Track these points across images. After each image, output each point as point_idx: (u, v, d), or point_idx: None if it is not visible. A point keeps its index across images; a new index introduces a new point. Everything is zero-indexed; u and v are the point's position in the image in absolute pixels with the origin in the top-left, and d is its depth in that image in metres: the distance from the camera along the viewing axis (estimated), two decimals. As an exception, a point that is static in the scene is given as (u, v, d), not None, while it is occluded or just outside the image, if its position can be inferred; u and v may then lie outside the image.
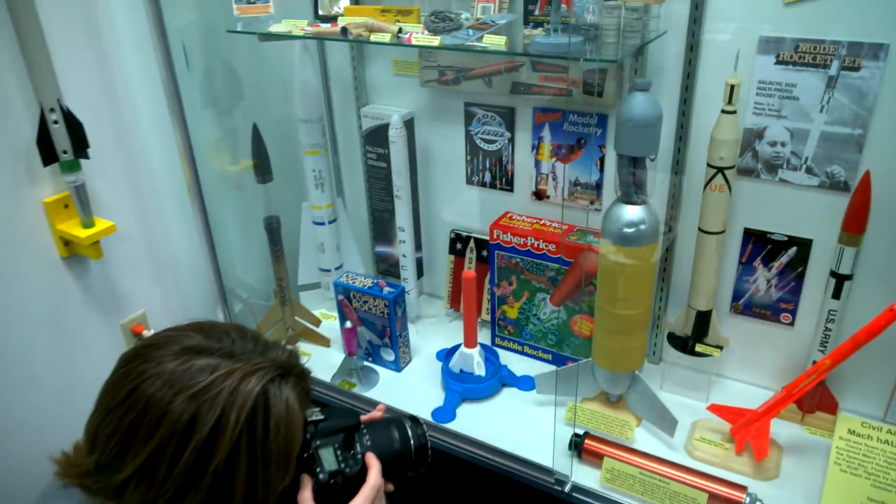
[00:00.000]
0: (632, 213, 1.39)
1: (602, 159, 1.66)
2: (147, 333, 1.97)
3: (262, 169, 1.78)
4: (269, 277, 1.99)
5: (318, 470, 0.92)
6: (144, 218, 1.90)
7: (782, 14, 1.33)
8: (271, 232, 1.87)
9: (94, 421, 0.85)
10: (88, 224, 1.69)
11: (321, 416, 0.96)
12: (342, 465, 0.93)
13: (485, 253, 1.89)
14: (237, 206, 2.03)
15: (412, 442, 1.01)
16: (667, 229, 1.61)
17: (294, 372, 0.88)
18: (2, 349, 1.65)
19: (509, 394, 1.75)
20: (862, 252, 1.39)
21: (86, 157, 1.63)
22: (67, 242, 1.74)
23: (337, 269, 2.06)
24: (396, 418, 1.03)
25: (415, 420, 1.03)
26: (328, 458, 0.93)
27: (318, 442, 0.94)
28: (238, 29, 1.68)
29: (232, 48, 1.87)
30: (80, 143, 1.61)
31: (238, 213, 2.04)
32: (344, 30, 1.51)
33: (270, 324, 2.00)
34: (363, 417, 1.05)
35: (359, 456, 0.96)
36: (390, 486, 1.02)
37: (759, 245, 1.54)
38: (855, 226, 1.36)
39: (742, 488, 1.38)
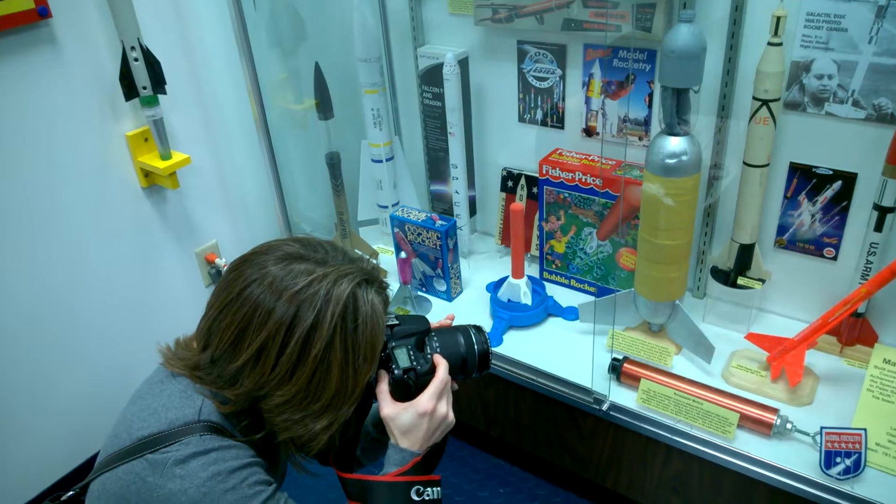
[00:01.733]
0: (674, 144, 1.43)
1: (650, 95, 1.69)
2: (219, 262, 2.14)
3: (324, 106, 1.89)
4: (331, 212, 2.11)
5: (393, 367, 1.03)
6: (216, 152, 2.05)
7: (834, -56, 1.33)
8: (332, 167, 1.98)
9: (209, 318, 0.98)
10: (166, 156, 1.84)
11: (396, 322, 1.07)
12: (414, 363, 1.04)
13: (535, 190, 1.96)
14: (301, 144, 2.15)
15: (476, 347, 1.10)
16: (713, 163, 1.65)
17: (377, 279, 1.00)
18: (89, 272, 1.83)
19: (554, 323, 1.84)
20: (906, 184, 1.40)
21: (163, 92, 1.77)
22: (147, 174, 1.90)
23: (394, 205, 2.16)
24: (462, 327, 1.13)
25: (479, 329, 1.14)
26: (402, 357, 1.04)
27: (393, 343, 1.05)
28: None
29: (295, -11, 1.96)
30: (158, 80, 1.75)
31: (302, 150, 2.16)
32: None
33: (331, 255, 2.12)
34: (434, 324, 1.15)
35: (429, 356, 1.06)
36: (455, 385, 1.12)
37: (803, 179, 1.56)
38: (900, 158, 1.37)
39: (774, 410, 1.44)
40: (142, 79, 1.73)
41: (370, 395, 1.19)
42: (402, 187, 2.17)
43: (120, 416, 1.01)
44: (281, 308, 0.91)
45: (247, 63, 1.79)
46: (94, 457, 1.03)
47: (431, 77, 1.97)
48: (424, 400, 1.02)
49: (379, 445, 1.25)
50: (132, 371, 1.55)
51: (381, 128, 2.02)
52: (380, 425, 1.21)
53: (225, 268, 1.08)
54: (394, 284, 1.99)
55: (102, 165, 1.80)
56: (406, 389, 1.03)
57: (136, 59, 1.71)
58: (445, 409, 1.05)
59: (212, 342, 0.96)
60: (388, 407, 1.03)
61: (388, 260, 2.13)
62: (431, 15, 1.95)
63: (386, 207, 2.17)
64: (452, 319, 1.21)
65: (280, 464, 1.16)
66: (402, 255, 1.90)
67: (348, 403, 0.97)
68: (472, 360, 1.11)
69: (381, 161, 2.08)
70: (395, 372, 1.03)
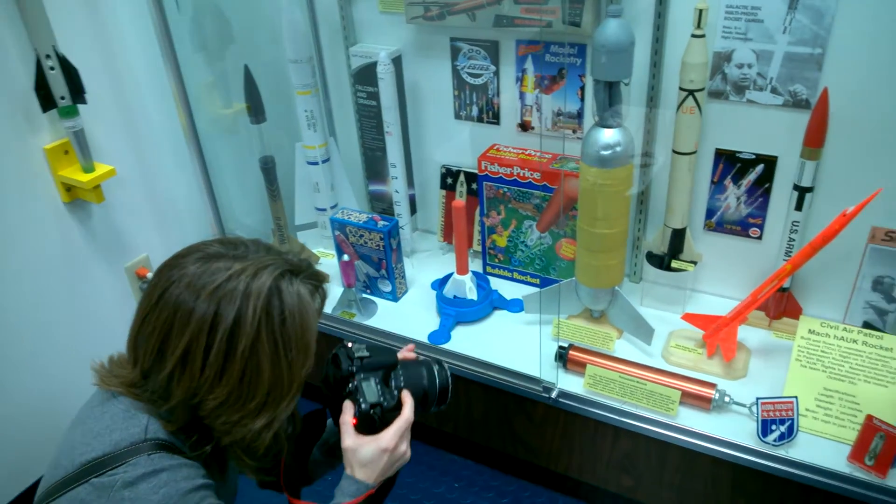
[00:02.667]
0: (608, 136, 1.48)
1: (583, 88, 1.74)
2: (150, 276, 2.06)
3: (255, 110, 1.85)
4: (267, 218, 2.07)
5: (360, 400, 1.04)
6: (143, 162, 1.97)
7: (747, -60, 1.40)
8: (267, 171, 1.95)
9: (133, 330, 0.95)
10: (89, 168, 1.77)
11: (367, 354, 1.07)
12: (381, 399, 1.05)
13: (474, 186, 1.98)
14: (233, 149, 2.09)
15: (437, 382, 1.13)
16: (643, 152, 1.71)
17: (304, 271, 0.98)
18: (11, 294, 1.73)
19: (500, 316, 1.87)
20: (821, 165, 1.50)
21: (83, 101, 1.70)
22: (69, 188, 1.81)
23: (332, 207, 2.14)
24: (426, 360, 1.16)
25: (441, 364, 1.16)
26: (370, 391, 1.05)
27: (361, 375, 1.06)
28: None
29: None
30: (76, 89, 1.68)
31: (234, 155, 2.10)
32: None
33: (270, 261, 2.09)
34: (398, 354, 1.17)
35: (395, 392, 1.08)
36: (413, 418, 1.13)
37: (728, 164, 1.64)
38: (815, 140, 1.45)
39: (712, 385, 1.51)
40: (59, 88, 1.65)
41: (321, 423, 1.18)
42: (340, 189, 2.15)
43: (61, 443, 0.97)
44: (201, 307, 0.89)
45: (171, 68, 1.73)
46: (36, 483, 0.98)
47: (365, 76, 1.97)
48: (388, 436, 1.03)
49: (324, 466, 1.26)
50: (69, 393, 1.48)
51: (316, 129, 2.00)
52: (325, 448, 1.22)
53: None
54: (338, 288, 1.97)
55: (20, 181, 1.71)
56: (371, 424, 1.03)
57: (51, 68, 1.63)
58: (405, 446, 1.06)
59: (139, 355, 0.94)
60: (350, 439, 1.02)
61: (329, 264, 2.11)
62: (362, 14, 1.94)
63: (324, 210, 2.14)
64: (413, 350, 1.23)
65: (230, 481, 1.13)
66: (345, 257, 1.88)
67: (287, 399, 0.96)
68: (433, 395, 1.13)
69: (316, 163, 2.06)
70: (362, 406, 1.03)
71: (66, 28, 1.67)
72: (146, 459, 0.90)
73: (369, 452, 1.02)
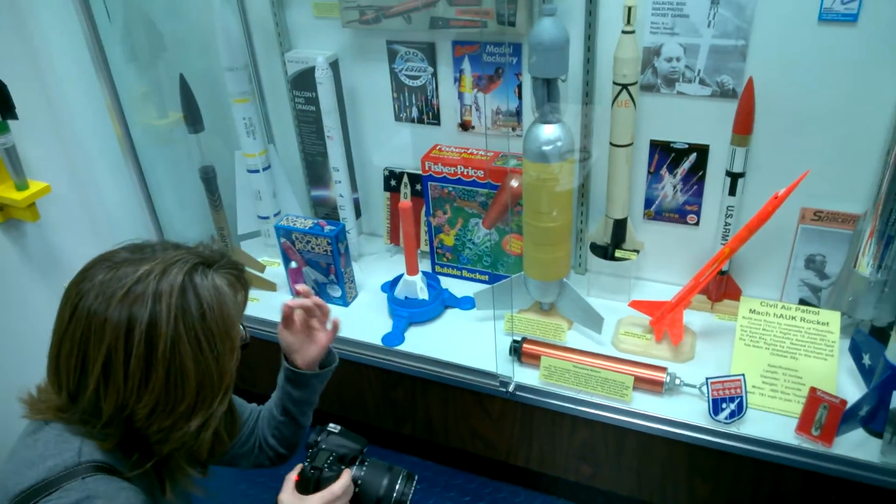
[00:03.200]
0: (548, 131, 1.51)
1: (520, 87, 1.77)
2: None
3: (193, 119, 1.82)
4: (209, 229, 2.03)
5: (308, 462, 1.10)
6: (79, 177, 1.91)
7: (670, -63, 1.46)
8: (207, 181, 1.91)
9: (52, 353, 0.92)
10: (22, 186, 1.71)
11: (336, 430, 1.17)
12: (324, 466, 1.10)
13: (418, 187, 1.99)
14: (171, 160, 2.05)
15: (394, 496, 1.15)
16: (581, 146, 1.75)
17: (218, 262, 0.97)
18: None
19: (452, 314, 1.89)
20: (751, 151, 1.57)
21: (14, 117, 1.64)
22: (2, 207, 1.75)
23: (275, 215, 2.12)
24: (398, 469, 1.18)
25: (410, 477, 1.18)
26: (320, 458, 1.11)
27: (324, 445, 1.14)
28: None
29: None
30: (6, 104, 1.62)
31: (173, 166, 2.05)
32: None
33: (215, 273, 2.05)
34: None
35: (341, 468, 1.11)
36: None
37: (664, 154, 1.70)
38: (743, 128, 1.52)
39: (662, 369, 1.56)
40: (-15, 105, 1.59)
41: None
42: (282, 196, 2.13)
43: None
44: (113, 314, 0.87)
45: (104, 79, 1.68)
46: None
47: (302, 82, 1.95)
48: (312, 499, 1.06)
49: (287, 426, 1.29)
50: (7, 424, 1.42)
51: (255, 137, 1.97)
52: (281, 407, 1.26)
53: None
54: (286, 296, 1.95)
55: (-54, 203, 1.64)
56: (306, 484, 1.09)
57: (-24, 84, 1.57)
58: None
59: (62, 379, 0.92)
60: (285, 493, 1.07)
61: (276, 272, 2.08)
62: (296, 19, 1.93)
63: (267, 218, 2.12)
64: (308, 294, 1.25)
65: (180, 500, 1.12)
66: (293, 265, 1.87)
67: (219, 395, 0.95)
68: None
69: (257, 171, 2.03)
70: (305, 465, 1.10)
71: (-12, 43, 1.62)
72: (80, 484, 0.87)
73: None
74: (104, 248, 2.04)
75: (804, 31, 1.44)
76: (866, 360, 1.51)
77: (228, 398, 0.98)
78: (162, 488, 1.02)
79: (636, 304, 1.71)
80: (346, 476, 1.11)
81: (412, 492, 1.16)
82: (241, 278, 1.00)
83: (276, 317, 1.90)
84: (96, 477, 0.88)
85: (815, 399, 1.39)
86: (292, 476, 1.10)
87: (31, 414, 0.96)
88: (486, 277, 1.97)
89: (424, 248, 2.05)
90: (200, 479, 1.08)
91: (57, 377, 0.92)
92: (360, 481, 1.14)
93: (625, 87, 1.56)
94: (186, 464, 0.99)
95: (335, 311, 1.94)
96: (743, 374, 1.46)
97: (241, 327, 1.03)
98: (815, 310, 1.58)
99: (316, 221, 1.88)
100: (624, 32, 1.51)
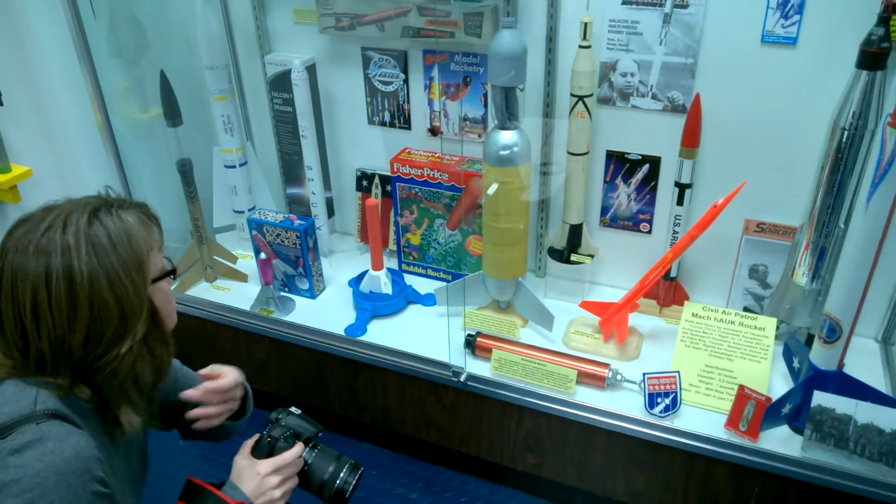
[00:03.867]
0: (506, 137, 1.60)
1: (486, 96, 1.86)
2: None
3: (172, 114, 1.89)
4: (186, 220, 2.10)
5: (265, 432, 1.21)
6: (60, 164, 1.98)
7: (626, -39, 1.56)
8: (184, 174, 1.99)
9: None
10: (5, 169, 1.77)
11: (297, 412, 1.26)
12: (280, 437, 1.20)
13: (388, 188, 2.08)
14: (150, 152, 2.12)
15: (337, 482, 1.23)
16: (546, 161, 1.84)
17: (118, 201, 1.05)
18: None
19: (414, 309, 1.97)
20: (698, 163, 1.66)
21: (-1, 103, 1.71)
22: (-16, 189, 1.81)
23: (250, 210, 2.19)
24: (345, 458, 1.26)
25: (356, 468, 1.25)
26: (277, 431, 1.21)
27: (283, 423, 1.24)
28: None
29: (135, -2, 1.95)
30: (-9, 90, 1.68)
31: (152, 158, 2.13)
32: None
33: (189, 263, 2.11)
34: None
35: (295, 442, 1.21)
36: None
37: (618, 165, 1.79)
38: (691, 141, 1.62)
39: (605, 365, 1.65)
40: (-29, 90, 1.66)
41: None
42: (258, 192, 2.21)
43: None
44: (31, 263, 0.95)
45: (88, 72, 1.76)
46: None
47: (280, 83, 2.04)
48: (263, 463, 1.16)
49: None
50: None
51: (233, 133, 2.05)
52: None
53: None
54: (256, 287, 2.02)
55: (-71, 182, 1.70)
56: (261, 450, 1.19)
57: (-37, 70, 1.64)
58: (276, 483, 1.16)
59: (8, 337, 0.99)
60: (241, 456, 1.18)
61: (248, 264, 2.16)
62: (276, 23, 2.02)
63: (242, 213, 2.19)
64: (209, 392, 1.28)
65: (133, 452, 1.18)
66: (262, 255, 1.94)
67: (140, 319, 1.02)
68: (328, 492, 1.23)
69: (234, 166, 2.11)
70: (263, 433, 1.21)
71: (-22, 31, 1.69)
72: (34, 428, 0.93)
73: (243, 465, 1.17)
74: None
75: (748, 51, 1.54)
76: (796, 363, 1.60)
77: (149, 321, 1.05)
78: (113, 439, 1.08)
79: (586, 305, 1.80)
80: (298, 447, 1.19)
81: (356, 482, 1.24)
82: (149, 214, 1.09)
83: (247, 305, 1.98)
84: (50, 422, 0.94)
85: (743, 396, 1.48)
86: (249, 442, 1.20)
87: None
88: (450, 276, 2.05)
89: (393, 246, 2.13)
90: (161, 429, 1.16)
91: (3, 337, 1.00)
92: (308, 463, 1.22)
93: (581, 98, 1.65)
94: (132, 392, 1.06)
95: (303, 302, 2.03)
96: (678, 371, 1.55)
97: (166, 259, 1.10)
98: (754, 315, 1.68)
99: (287, 216, 1.96)
100: (581, 47, 1.61)
